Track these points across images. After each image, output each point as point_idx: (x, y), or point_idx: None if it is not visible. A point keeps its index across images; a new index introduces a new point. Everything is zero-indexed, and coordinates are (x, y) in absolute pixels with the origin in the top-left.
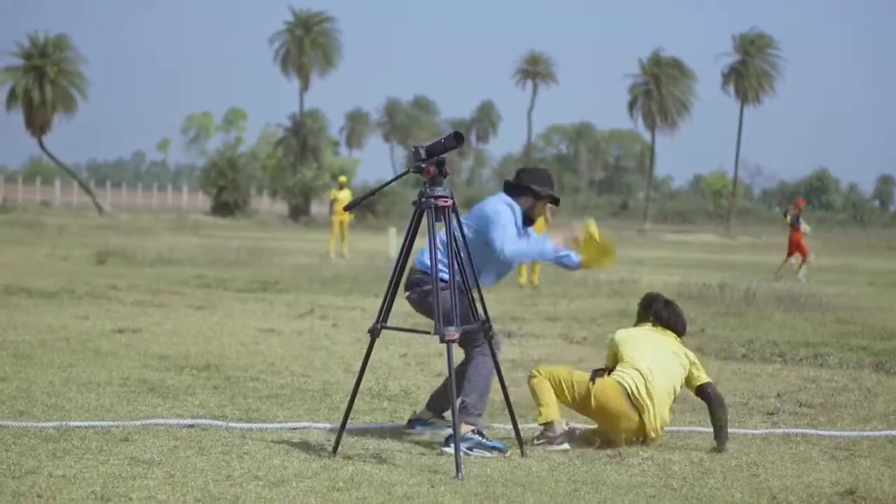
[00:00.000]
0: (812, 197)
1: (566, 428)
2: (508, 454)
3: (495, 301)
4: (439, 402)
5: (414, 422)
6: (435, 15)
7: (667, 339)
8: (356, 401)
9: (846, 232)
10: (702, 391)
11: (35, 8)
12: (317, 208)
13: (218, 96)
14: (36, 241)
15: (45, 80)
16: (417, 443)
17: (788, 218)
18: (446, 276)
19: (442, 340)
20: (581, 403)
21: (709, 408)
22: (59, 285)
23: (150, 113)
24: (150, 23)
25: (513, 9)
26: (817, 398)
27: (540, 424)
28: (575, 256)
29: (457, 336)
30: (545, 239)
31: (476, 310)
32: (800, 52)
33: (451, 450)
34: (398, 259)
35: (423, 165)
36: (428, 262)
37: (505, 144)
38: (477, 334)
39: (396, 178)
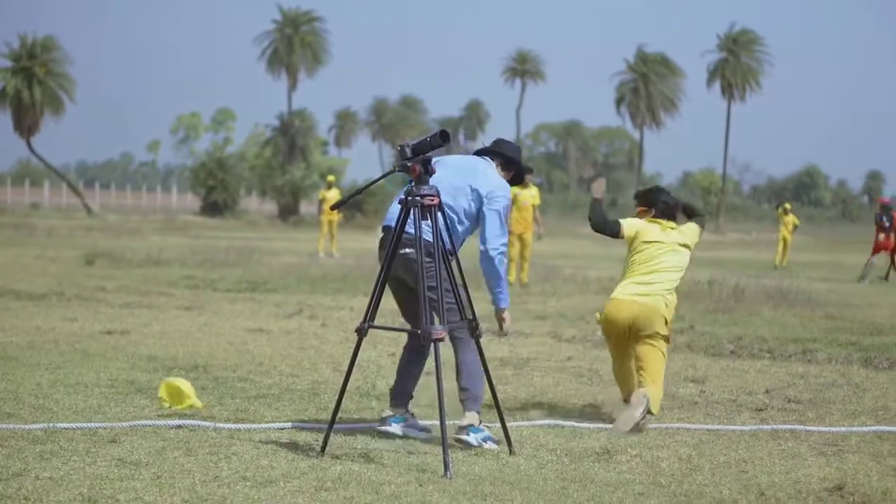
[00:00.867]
0: (801, 193)
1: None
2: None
3: (485, 300)
4: (403, 394)
5: (388, 419)
6: (423, 13)
7: (672, 237)
8: (344, 400)
9: (835, 228)
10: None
11: (23, 8)
12: (306, 208)
13: (206, 96)
14: (25, 242)
15: (34, 82)
16: (406, 442)
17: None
18: None
19: (429, 339)
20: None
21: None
22: (47, 287)
23: (138, 114)
24: (137, 23)
25: (501, 7)
26: (806, 394)
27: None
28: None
29: (443, 335)
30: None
31: (462, 305)
32: (787, 48)
33: (469, 439)
34: (384, 259)
35: (409, 164)
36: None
37: None
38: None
39: (382, 176)
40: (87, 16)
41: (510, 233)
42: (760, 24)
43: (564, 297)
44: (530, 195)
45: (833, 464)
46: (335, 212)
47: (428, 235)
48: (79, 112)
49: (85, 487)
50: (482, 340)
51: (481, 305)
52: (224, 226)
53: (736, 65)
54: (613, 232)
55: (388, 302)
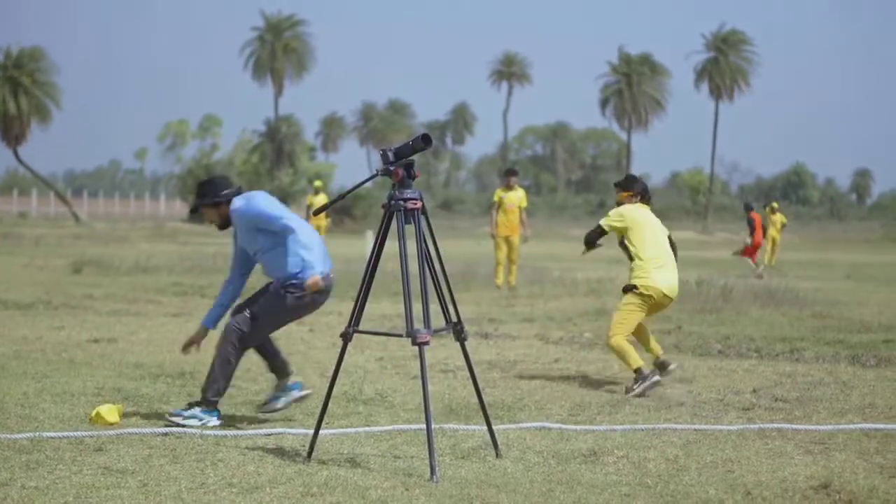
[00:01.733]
0: (789, 192)
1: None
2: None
3: (471, 303)
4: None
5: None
6: (409, 16)
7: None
8: (331, 405)
9: (823, 226)
10: None
11: (8, 17)
12: (294, 213)
13: (193, 104)
14: (13, 252)
15: (20, 91)
16: (392, 446)
17: None
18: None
19: (414, 343)
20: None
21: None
22: (35, 296)
23: (125, 122)
24: (123, 32)
25: (487, 9)
26: (793, 393)
27: (633, 371)
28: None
29: (429, 338)
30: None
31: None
32: (774, 48)
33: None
34: (369, 262)
35: (392, 168)
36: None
37: (481, 145)
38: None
39: (365, 181)
40: (73, 24)
41: (496, 237)
42: (747, 24)
43: (552, 300)
44: (517, 197)
45: (820, 462)
46: (321, 217)
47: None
48: (66, 120)
49: (71, 496)
50: (467, 343)
51: (467, 308)
52: (212, 232)
53: (724, 65)
54: (599, 233)
55: (374, 307)
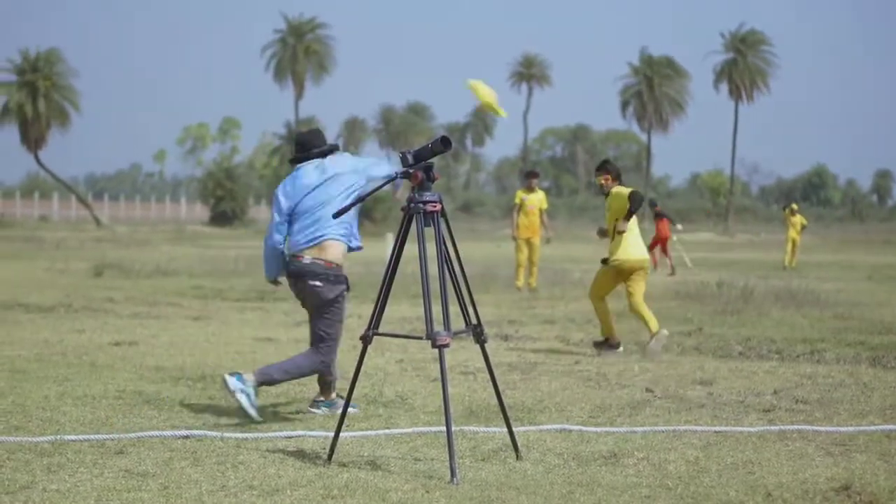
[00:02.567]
0: (810, 193)
1: (619, 341)
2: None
3: (492, 305)
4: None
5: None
6: (428, 19)
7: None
8: (352, 408)
9: (844, 227)
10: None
11: (26, 22)
12: None
13: (214, 106)
14: (34, 255)
15: (38, 95)
16: (412, 448)
17: None
18: None
19: (434, 345)
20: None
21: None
22: (56, 299)
23: (146, 124)
24: (142, 34)
25: (506, 11)
26: (814, 394)
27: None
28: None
29: (449, 341)
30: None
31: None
32: (795, 48)
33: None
34: (389, 265)
35: (411, 171)
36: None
37: (501, 148)
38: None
39: (383, 184)
40: (91, 27)
41: (517, 238)
42: (766, 24)
43: (573, 302)
44: (537, 199)
45: (841, 464)
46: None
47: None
48: (87, 124)
49: (92, 499)
50: (487, 345)
51: (487, 311)
52: (233, 235)
53: (743, 65)
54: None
55: (394, 309)
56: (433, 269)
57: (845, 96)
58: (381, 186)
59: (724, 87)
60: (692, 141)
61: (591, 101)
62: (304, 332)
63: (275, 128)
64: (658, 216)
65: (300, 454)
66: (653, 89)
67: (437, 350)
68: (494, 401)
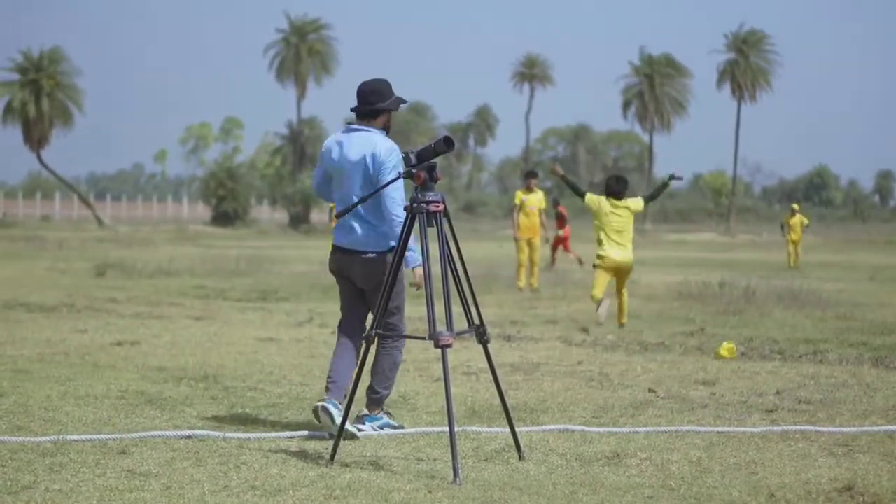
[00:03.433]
0: (812, 193)
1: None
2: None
3: (494, 305)
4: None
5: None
6: (430, 19)
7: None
8: (354, 408)
9: (846, 228)
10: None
11: (29, 20)
12: (317, 216)
13: (216, 106)
14: (36, 255)
15: (42, 94)
16: (415, 449)
17: None
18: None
19: (436, 346)
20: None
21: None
22: (58, 299)
23: (148, 124)
24: (145, 34)
25: (509, 11)
26: (816, 395)
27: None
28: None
29: (452, 341)
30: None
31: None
32: (797, 48)
33: (364, 427)
34: (392, 265)
35: (414, 171)
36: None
37: (503, 148)
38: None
39: (387, 184)
40: (94, 27)
41: (518, 239)
42: (768, 23)
43: (575, 302)
44: (537, 199)
45: (843, 464)
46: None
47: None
48: (89, 124)
49: (94, 499)
50: (490, 345)
51: (489, 311)
52: (235, 235)
53: (745, 65)
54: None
55: None
56: (436, 269)
57: (847, 97)
58: (384, 186)
59: (727, 87)
60: (694, 141)
61: (593, 102)
62: (306, 332)
63: (277, 128)
64: (559, 217)
65: (302, 454)
66: (654, 89)
67: (439, 350)
68: (497, 401)
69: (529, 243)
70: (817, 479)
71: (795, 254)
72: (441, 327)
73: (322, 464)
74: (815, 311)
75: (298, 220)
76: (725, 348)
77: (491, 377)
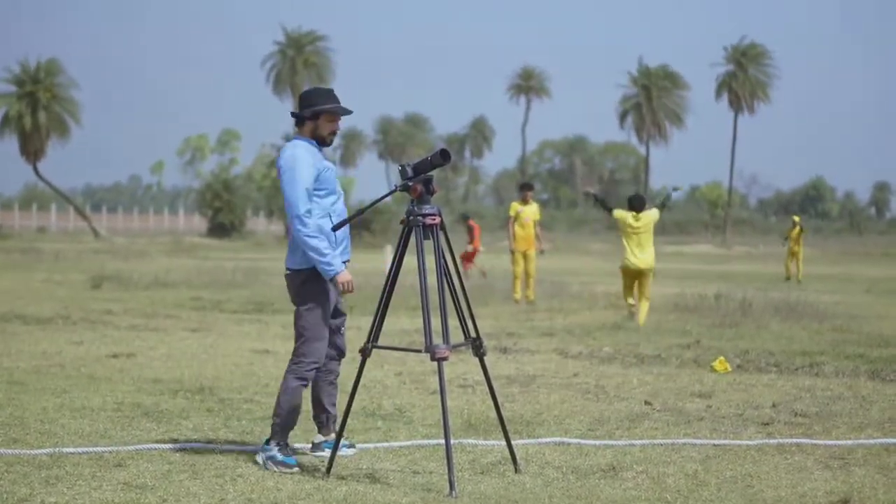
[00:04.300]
0: (808, 205)
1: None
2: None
3: (490, 317)
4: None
5: (322, 444)
6: (426, 31)
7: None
8: (350, 421)
9: (843, 240)
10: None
11: (26, 33)
12: None
13: (213, 118)
14: (32, 267)
15: (38, 106)
16: (411, 461)
17: None
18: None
19: (433, 358)
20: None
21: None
22: (54, 311)
23: (145, 136)
24: (142, 46)
25: (505, 23)
26: (812, 407)
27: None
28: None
29: (448, 354)
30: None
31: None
32: (794, 61)
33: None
34: (388, 277)
35: (411, 184)
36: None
37: (500, 160)
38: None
39: (384, 196)
40: (90, 39)
41: (514, 251)
42: (765, 36)
43: (571, 314)
44: (531, 211)
45: (839, 477)
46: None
47: None
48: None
49: None
50: (486, 358)
51: (485, 323)
52: (231, 247)
53: (744, 78)
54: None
55: (393, 321)
56: (432, 281)
57: (844, 109)
58: (381, 199)
59: (724, 98)
60: (690, 153)
61: (589, 114)
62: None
63: (273, 139)
64: (469, 231)
65: (299, 467)
66: (651, 100)
67: (436, 363)
68: (493, 413)
69: (525, 255)
70: (813, 492)
71: (797, 266)
72: (437, 340)
73: (318, 476)
74: (812, 324)
75: None
76: (719, 363)
77: (487, 389)
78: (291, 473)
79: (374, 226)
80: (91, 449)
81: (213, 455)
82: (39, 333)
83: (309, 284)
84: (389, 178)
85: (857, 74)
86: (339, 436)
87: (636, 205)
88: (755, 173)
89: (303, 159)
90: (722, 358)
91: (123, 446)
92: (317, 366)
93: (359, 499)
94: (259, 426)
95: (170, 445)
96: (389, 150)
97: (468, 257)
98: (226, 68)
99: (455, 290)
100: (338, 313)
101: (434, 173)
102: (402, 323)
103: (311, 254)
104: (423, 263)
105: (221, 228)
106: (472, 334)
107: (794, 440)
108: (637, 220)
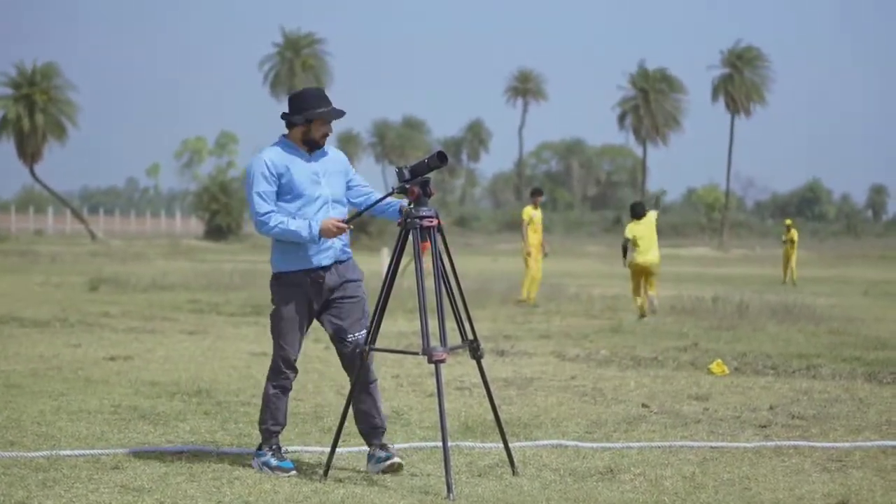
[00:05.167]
0: (804, 208)
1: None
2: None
3: (488, 320)
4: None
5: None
6: (423, 33)
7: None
8: (347, 423)
9: (839, 243)
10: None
11: (24, 35)
12: None
13: (210, 121)
14: (29, 269)
15: (35, 109)
16: (408, 464)
17: None
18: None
19: (430, 361)
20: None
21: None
22: (51, 314)
23: (142, 139)
24: (139, 48)
25: (502, 26)
26: (810, 410)
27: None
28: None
29: (445, 356)
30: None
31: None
32: (790, 63)
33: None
34: (385, 280)
35: (408, 186)
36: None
37: (496, 162)
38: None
39: (380, 199)
40: (87, 41)
41: (529, 254)
42: (761, 39)
43: (568, 316)
44: (539, 216)
45: (837, 479)
46: None
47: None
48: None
49: None
50: (483, 360)
51: (483, 325)
52: (228, 249)
53: (740, 80)
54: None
55: (390, 324)
56: (429, 283)
57: (840, 111)
58: (378, 202)
59: (721, 101)
60: (687, 156)
61: (586, 116)
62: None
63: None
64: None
65: (296, 469)
66: (649, 103)
67: (433, 365)
68: (490, 416)
69: (535, 259)
70: (811, 494)
71: (787, 268)
72: (435, 343)
73: (316, 479)
74: (809, 326)
75: None
76: (716, 365)
77: (484, 392)
78: (289, 477)
79: (371, 228)
80: (88, 451)
81: (210, 458)
82: (36, 336)
83: (276, 287)
84: (386, 180)
85: (853, 77)
86: (337, 439)
87: (638, 211)
88: (752, 176)
89: (258, 167)
90: (719, 360)
91: (120, 449)
92: (286, 371)
93: (356, 501)
94: (256, 429)
95: (167, 448)
96: (386, 152)
97: None
98: (223, 71)
99: (452, 292)
100: (354, 329)
101: (431, 175)
102: (400, 325)
103: (289, 238)
104: (421, 266)
105: (219, 231)
106: (470, 337)
107: (792, 442)
108: (638, 224)
